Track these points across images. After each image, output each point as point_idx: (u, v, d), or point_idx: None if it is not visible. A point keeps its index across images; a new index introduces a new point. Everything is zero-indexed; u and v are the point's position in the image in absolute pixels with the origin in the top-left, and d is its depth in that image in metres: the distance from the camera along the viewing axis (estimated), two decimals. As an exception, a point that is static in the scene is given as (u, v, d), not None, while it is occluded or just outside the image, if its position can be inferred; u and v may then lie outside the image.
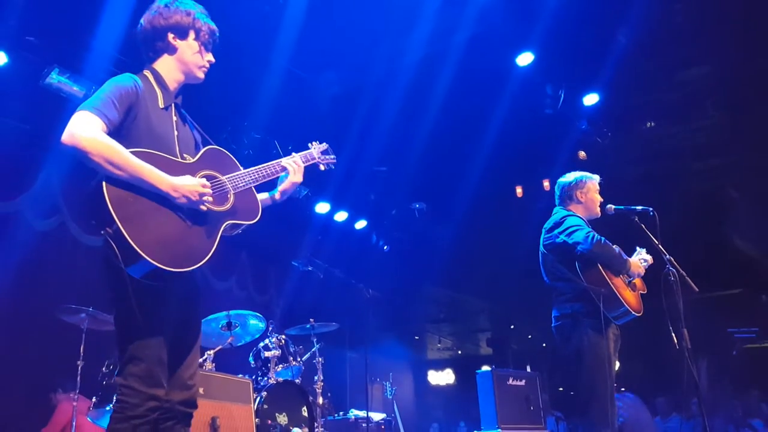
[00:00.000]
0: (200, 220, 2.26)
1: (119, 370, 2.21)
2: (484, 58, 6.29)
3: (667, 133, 7.71)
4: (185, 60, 2.47)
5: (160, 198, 2.17)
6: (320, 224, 8.65)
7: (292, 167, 2.69)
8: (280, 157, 2.74)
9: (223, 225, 2.33)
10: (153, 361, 2.18)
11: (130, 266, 2.09)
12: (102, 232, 2.07)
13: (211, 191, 2.27)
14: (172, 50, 2.46)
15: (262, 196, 2.66)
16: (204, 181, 2.28)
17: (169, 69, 2.48)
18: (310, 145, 2.91)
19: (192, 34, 2.47)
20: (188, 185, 2.21)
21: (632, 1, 5.75)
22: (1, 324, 5.34)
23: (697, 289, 3.68)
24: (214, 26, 2.54)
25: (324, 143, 2.97)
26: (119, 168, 2.10)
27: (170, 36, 2.44)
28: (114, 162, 2.09)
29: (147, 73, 2.46)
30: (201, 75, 2.53)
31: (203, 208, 2.25)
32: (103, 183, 2.09)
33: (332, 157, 2.96)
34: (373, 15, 5.56)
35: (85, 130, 2.10)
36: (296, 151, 2.83)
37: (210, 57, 2.53)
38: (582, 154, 7.71)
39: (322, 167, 2.93)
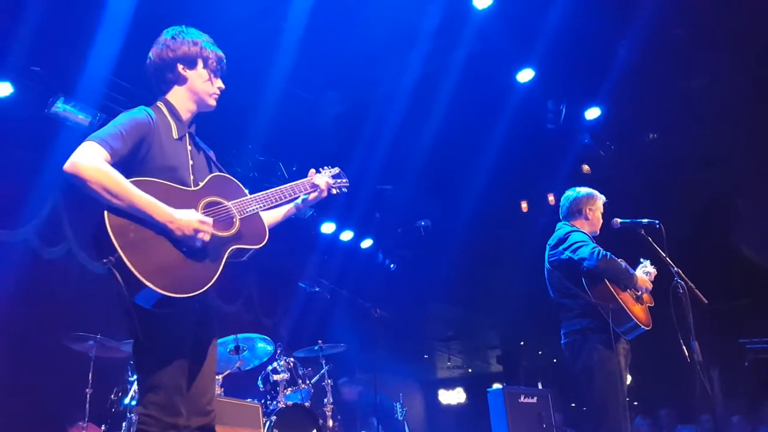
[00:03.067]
0: (204, 246, 2.25)
1: (139, 399, 2.22)
2: (485, 75, 6.34)
3: (669, 144, 7.70)
4: (196, 89, 2.52)
5: (162, 225, 2.17)
6: (326, 244, 8.63)
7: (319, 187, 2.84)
8: (285, 178, 2.76)
9: (228, 250, 2.33)
10: (172, 389, 2.17)
11: (136, 295, 2.08)
12: (105, 260, 2.06)
13: (209, 228, 2.23)
14: (182, 81, 2.51)
15: (286, 208, 2.78)
16: (203, 217, 2.24)
17: (181, 99, 2.52)
18: (321, 169, 2.94)
19: (200, 63, 2.52)
20: (185, 220, 2.18)
21: (631, 15, 5.79)
22: (9, 353, 5.33)
23: (706, 301, 3.66)
24: (221, 53, 2.59)
25: (336, 167, 3.00)
26: (116, 197, 2.10)
27: (179, 67, 2.49)
28: (111, 191, 2.10)
29: (160, 104, 2.50)
30: (213, 102, 2.58)
31: (198, 245, 2.22)
32: (105, 212, 2.10)
33: (344, 180, 3.01)
34: (374, 34, 5.61)
35: (87, 158, 2.12)
36: (300, 174, 2.85)
37: (220, 83, 2.58)
38: (586, 167, 7.72)
39: (334, 191, 2.95)
